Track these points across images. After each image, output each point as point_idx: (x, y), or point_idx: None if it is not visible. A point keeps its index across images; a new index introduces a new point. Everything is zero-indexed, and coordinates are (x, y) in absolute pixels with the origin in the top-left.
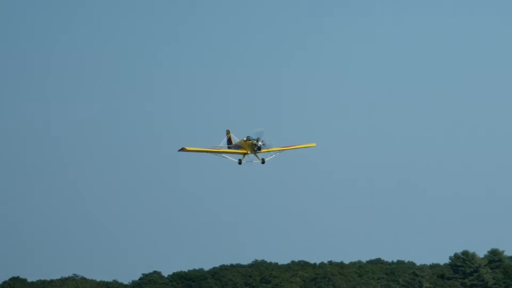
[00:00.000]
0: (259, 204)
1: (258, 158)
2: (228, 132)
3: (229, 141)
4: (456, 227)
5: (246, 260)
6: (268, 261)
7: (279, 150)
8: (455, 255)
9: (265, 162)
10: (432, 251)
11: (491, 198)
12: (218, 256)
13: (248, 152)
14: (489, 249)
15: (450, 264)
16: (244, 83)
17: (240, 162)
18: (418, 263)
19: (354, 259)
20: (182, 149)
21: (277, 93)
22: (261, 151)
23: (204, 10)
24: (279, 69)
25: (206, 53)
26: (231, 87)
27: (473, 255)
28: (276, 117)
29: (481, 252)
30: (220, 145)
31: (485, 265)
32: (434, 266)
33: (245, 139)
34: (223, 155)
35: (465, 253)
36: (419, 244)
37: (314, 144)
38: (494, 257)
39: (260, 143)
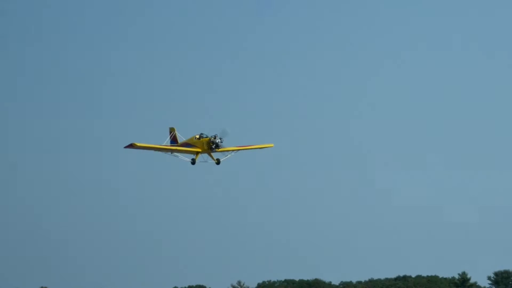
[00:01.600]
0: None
1: (213, 158)
2: (172, 130)
3: (174, 140)
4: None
5: None
6: None
7: (235, 150)
8: None
9: (221, 163)
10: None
11: None
12: None
13: (203, 151)
14: None
15: None
16: (187, 80)
17: (193, 162)
18: None
19: None
20: (131, 146)
21: (229, 90)
22: (218, 150)
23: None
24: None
25: (149, 49)
26: (172, 83)
27: None
28: (228, 115)
29: None
30: (164, 144)
31: None
32: None
33: (197, 136)
34: (175, 153)
35: None
36: None
37: (272, 145)
38: None
39: (218, 140)
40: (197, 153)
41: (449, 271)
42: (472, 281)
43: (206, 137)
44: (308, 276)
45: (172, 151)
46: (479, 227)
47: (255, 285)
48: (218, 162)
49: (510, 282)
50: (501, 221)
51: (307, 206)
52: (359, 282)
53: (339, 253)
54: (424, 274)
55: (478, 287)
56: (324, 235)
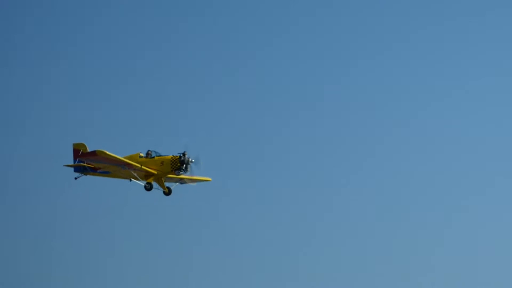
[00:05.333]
0: None
1: (162, 186)
2: (80, 147)
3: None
4: None
5: None
6: None
7: (181, 178)
8: None
9: (171, 193)
10: None
11: None
12: None
13: (160, 173)
14: None
15: None
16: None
17: (150, 187)
18: None
19: None
20: (91, 154)
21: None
22: (182, 176)
23: None
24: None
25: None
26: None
27: None
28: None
29: None
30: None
31: None
32: None
33: (142, 154)
34: (133, 173)
35: None
36: None
37: (209, 179)
38: None
39: (191, 159)
40: (150, 175)
41: None
42: None
43: (159, 155)
44: None
45: (135, 168)
46: None
47: None
48: (169, 192)
49: None
50: None
51: None
52: None
53: None
54: None
55: None
56: None
